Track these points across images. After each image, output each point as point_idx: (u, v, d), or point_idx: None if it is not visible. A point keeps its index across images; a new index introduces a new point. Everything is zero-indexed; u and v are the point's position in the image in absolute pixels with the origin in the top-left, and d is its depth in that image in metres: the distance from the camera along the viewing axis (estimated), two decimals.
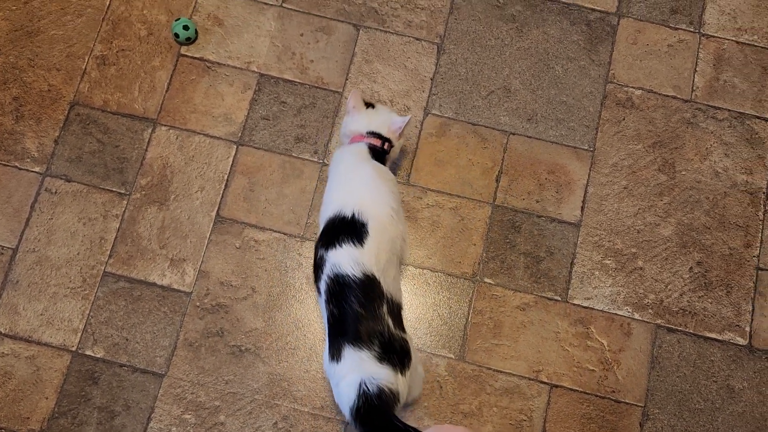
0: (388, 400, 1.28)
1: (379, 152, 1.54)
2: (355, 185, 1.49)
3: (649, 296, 1.62)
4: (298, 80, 1.74)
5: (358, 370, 1.29)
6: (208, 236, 1.63)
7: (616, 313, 1.61)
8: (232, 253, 1.62)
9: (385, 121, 1.55)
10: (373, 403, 1.26)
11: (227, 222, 1.64)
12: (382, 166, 1.54)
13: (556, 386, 1.56)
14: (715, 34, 1.79)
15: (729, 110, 1.74)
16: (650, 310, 1.61)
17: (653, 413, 1.55)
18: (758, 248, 1.66)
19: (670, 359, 1.58)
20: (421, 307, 1.61)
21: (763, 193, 1.69)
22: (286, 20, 1.78)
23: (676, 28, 1.80)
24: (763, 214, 1.68)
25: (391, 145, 1.55)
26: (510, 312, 1.61)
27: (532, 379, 1.56)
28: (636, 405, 1.55)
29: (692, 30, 1.80)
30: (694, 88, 1.76)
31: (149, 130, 1.70)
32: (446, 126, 1.72)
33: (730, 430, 1.54)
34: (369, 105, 1.59)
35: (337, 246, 1.39)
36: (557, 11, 1.80)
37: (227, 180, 1.67)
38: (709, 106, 1.74)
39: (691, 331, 1.60)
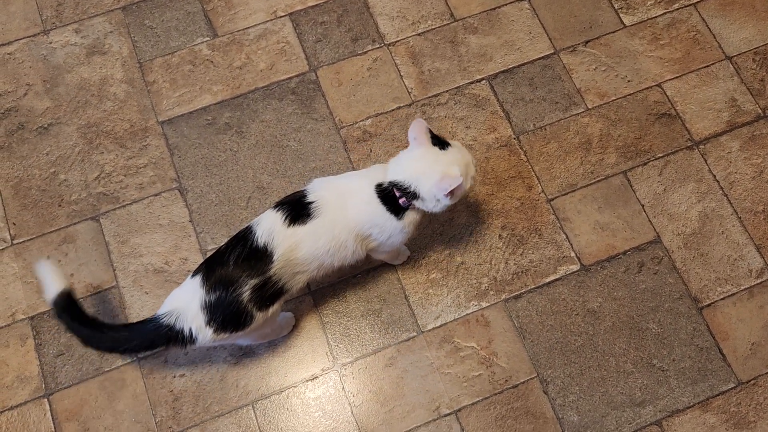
0: (183, 339, 1.35)
1: (396, 200, 1.39)
2: (342, 190, 1.41)
3: (483, 281, 1.68)
4: None
5: (188, 299, 1.34)
6: None
7: (467, 314, 1.65)
8: None
9: (432, 173, 1.34)
10: (171, 333, 1.35)
11: None
12: (377, 209, 1.39)
13: (459, 410, 1.57)
14: (398, 39, 1.92)
15: (447, 91, 1.87)
16: (491, 292, 1.67)
17: (548, 375, 1.61)
18: (539, 185, 1.78)
19: (531, 321, 1.65)
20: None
21: (513, 138, 1.83)
22: (25, 254, 1.69)
23: (365, 52, 1.91)
24: (525, 155, 1.81)
25: (408, 203, 1.39)
26: (383, 374, 1.60)
27: (437, 419, 1.56)
28: (531, 378, 1.60)
29: (378, 46, 1.92)
30: (410, 90, 1.87)
31: None
32: None
33: (613, 345, 1.63)
34: (441, 143, 1.39)
35: (276, 209, 1.38)
36: (262, 98, 1.85)
37: None
38: (429, 97, 1.86)
39: (532, 286, 1.68)
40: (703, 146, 1.82)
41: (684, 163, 1.80)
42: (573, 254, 1.71)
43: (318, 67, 1.89)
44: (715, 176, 1.79)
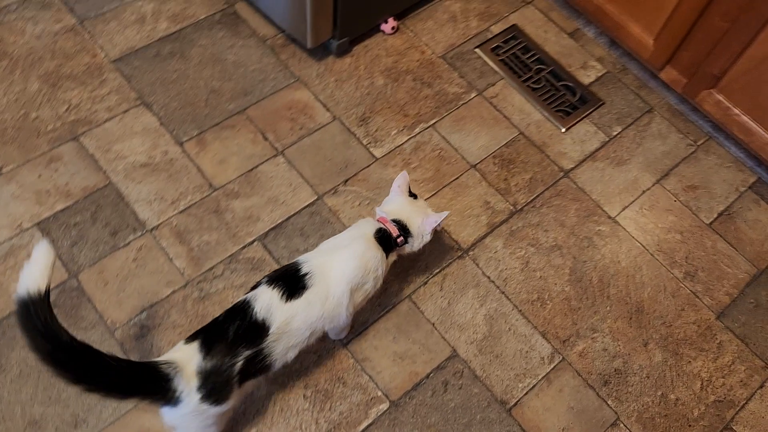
0: (171, 396, 1.32)
1: (389, 240, 1.60)
2: (334, 250, 1.53)
3: None
4: None
5: (187, 360, 1.34)
6: None
7: None
8: None
9: (417, 214, 1.65)
10: (165, 384, 1.31)
11: None
12: (376, 253, 1.55)
13: None
14: (160, 221, 1.89)
15: (221, 261, 1.84)
16: None
17: None
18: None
19: None
20: None
21: None
22: None
23: (128, 243, 1.84)
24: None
25: (405, 241, 1.62)
26: None
27: None
28: None
29: (141, 234, 1.86)
30: (182, 271, 1.82)
31: None
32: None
33: None
34: (412, 195, 1.72)
35: (271, 286, 1.44)
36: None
37: None
38: (204, 273, 1.82)
39: None
40: (472, 252, 1.95)
41: (459, 272, 1.91)
42: (380, 393, 1.71)
43: (78, 272, 1.79)
44: (489, 277, 1.91)
